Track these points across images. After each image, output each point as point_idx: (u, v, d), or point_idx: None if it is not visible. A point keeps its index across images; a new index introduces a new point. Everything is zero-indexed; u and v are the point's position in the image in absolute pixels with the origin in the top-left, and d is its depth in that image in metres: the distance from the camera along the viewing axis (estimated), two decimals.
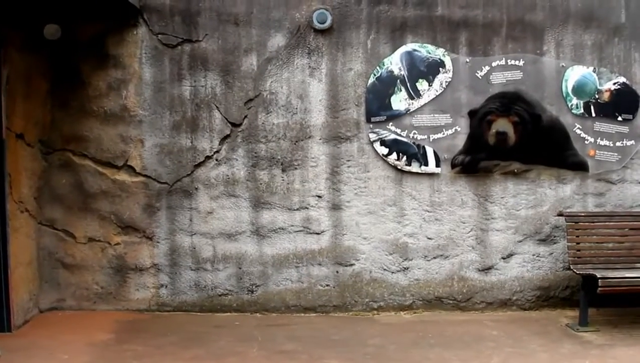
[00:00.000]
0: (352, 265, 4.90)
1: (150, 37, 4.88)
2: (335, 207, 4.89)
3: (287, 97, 4.88)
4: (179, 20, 4.88)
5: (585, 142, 4.94)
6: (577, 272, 4.50)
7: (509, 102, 4.90)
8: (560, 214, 4.77)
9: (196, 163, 4.88)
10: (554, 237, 4.93)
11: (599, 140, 4.94)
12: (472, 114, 4.90)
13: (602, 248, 4.75)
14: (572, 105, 4.93)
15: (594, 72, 4.96)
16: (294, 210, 4.88)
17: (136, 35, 4.90)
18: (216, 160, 4.88)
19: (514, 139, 4.86)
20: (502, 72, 4.92)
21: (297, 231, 4.89)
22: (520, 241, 4.93)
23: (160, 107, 4.89)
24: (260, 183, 4.88)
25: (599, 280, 4.21)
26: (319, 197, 4.89)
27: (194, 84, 4.89)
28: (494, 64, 4.92)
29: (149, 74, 4.89)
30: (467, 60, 4.91)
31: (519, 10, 4.93)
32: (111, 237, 4.89)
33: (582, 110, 4.94)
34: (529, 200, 4.92)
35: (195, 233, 4.88)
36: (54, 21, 4.88)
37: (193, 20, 4.88)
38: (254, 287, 4.89)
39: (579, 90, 4.95)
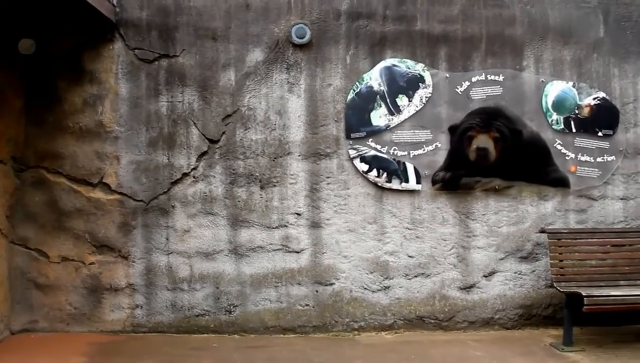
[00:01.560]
0: (332, 284, 4.54)
1: (127, 52, 4.51)
2: (315, 225, 4.54)
3: (266, 112, 4.51)
4: (155, 35, 4.52)
5: (566, 158, 4.62)
6: (561, 290, 4.13)
7: (489, 117, 4.57)
8: (542, 231, 4.43)
9: (173, 180, 4.51)
10: (536, 254, 4.59)
11: (579, 156, 4.62)
12: (452, 129, 4.55)
13: (585, 266, 4.44)
14: (552, 121, 4.60)
15: (574, 87, 4.65)
16: (273, 228, 4.51)
17: (112, 50, 4.53)
18: (193, 177, 4.49)
19: (494, 155, 4.52)
20: (482, 87, 4.58)
21: (276, 250, 4.52)
22: (502, 259, 4.58)
23: (136, 123, 4.51)
24: (239, 201, 4.50)
25: (585, 299, 3.88)
26: (298, 214, 4.53)
27: (171, 99, 4.51)
28: (473, 79, 4.58)
29: (125, 90, 4.51)
30: (447, 75, 4.56)
31: (498, 25, 4.62)
32: (85, 257, 4.49)
33: (562, 126, 4.62)
34: (510, 217, 4.57)
35: (171, 252, 4.49)
36: (28, 35, 4.51)
37: (170, 35, 4.52)
38: (231, 307, 4.49)
39: (558, 105, 4.62)
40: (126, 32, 4.53)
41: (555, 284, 4.25)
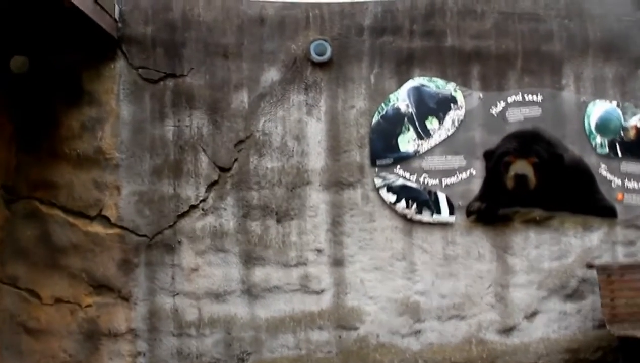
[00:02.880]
0: (356, 328, 3.89)
1: (130, 71, 3.93)
2: (337, 262, 3.91)
3: (282, 138, 3.90)
4: (161, 52, 3.94)
5: (612, 184, 4.02)
6: (615, 334, 3.46)
7: (527, 141, 3.97)
8: (589, 266, 3.78)
9: (179, 213, 3.91)
10: (582, 292, 3.98)
11: (626, 182, 4.03)
12: (487, 155, 3.93)
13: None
14: (596, 144, 4.00)
15: (618, 107, 4.01)
16: (291, 266, 3.89)
17: (113, 69, 3.96)
18: (202, 209, 3.87)
19: (534, 183, 3.91)
20: (519, 108, 3.98)
21: (294, 290, 3.89)
22: (544, 297, 3.94)
23: (139, 150, 3.91)
24: (252, 236, 3.88)
25: None
26: (319, 251, 3.91)
27: (177, 123, 3.91)
28: (509, 100, 3.98)
29: (127, 112, 3.92)
30: (481, 95, 3.96)
31: (534, 40, 4.05)
32: (82, 298, 3.87)
33: (607, 150, 4.03)
34: (552, 251, 3.96)
35: (178, 294, 3.85)
36: (20, 52, 3.94)
37: (177, 53, 3.95)
38: (245, 355, 3.85)
39: (602, 127, 4.03)
40: (129, 49, 3.97)
41: (608, 326, 3.62)
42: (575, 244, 4.02)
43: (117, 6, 4.02)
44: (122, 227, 3.92)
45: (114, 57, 4.00)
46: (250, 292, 3.90)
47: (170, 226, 3.91)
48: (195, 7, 4.01)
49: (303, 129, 3.97)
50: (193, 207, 3.92)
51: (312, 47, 3.95)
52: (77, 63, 4.02)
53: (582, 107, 4.11)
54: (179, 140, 3.96)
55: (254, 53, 3.98)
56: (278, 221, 3.93)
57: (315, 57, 3.95)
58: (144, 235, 3.91)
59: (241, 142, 3.96)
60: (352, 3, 3.97)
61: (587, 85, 4.13)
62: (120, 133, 3.96)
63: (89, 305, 3.93)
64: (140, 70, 3.98)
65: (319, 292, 3.91)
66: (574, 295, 4.00)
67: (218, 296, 3.89)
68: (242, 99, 3.97)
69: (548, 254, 4.00)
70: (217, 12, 4.02)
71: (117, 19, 4.01)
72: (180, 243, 3.91)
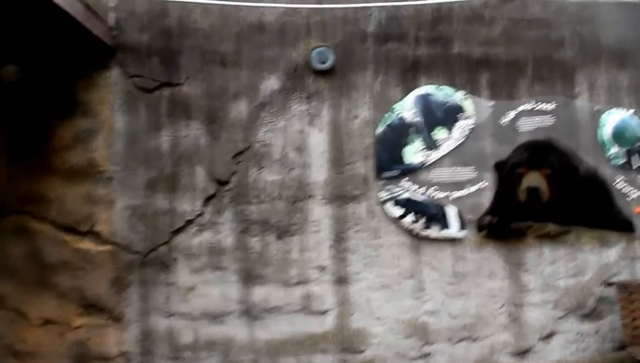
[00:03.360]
0: (362, 352, 3.63)
1: (125, 80, 3.72)
2: (341, 280, 3.66)
3: (283, 149, 3.67)
4: (157, 60, 3.74)
5: (629, 197, 3.75)
6: (637, 357, 3.22)
7: (540, 152, 3.73)
8: (608, 284, 3.50)
9: (175, 228, 3.67)
10: (600, 311, 3.71)
11: None
12: (498, 166, 3.69)
13: None
14: (611, 155, 3.76)
15: (634, 115, 3.76)
16: (292, 285, 3.63)
17: (108, 78, 3.76)
18: (199, 225, 3.63)
19: (547, 196, 3.67)
20: (531, 117, 3.75)
21: (296, 311, 3.63)
22: (561, 317, 3.68)
23: (133, 162, 3.69)
24: (252, 253, 3.63)
25: None
26: (322, 268, 3.66)
27: (174, 134, 3.70)
28: (520, 109, 3.75)
29: (121, 123, 3.70)
30: (490, 104, 3.73)
31: (545, 47, 3.83)
32: (72, 319, 3.62)
33: (623, 160, 3.78)
34: (568, 267, 3.69)
35: (173, 314, 3.61)
36: (11, 61, 3.72)
37: (174, 61, 3.75)
38: None
39: (618, 137, 3.79)
40: (124, 58, 3.76)
41: (629, 349, 3.35)
42: (592, 260, 3.76)
43: (111, 13, 3.83)
44: (114, 244, 3.67)
45: (109, 65, 3.79)
46: (250, 313, 3.63)
47: (165, 242, 3.66)
48: (192, 13, 3.80)
49: (305, 139, 3.73)
50: (189, 222, 3.67)
51: (313, 54, 3.73)
52: (70, 72, 3.81)
53: (596, 116, 3.87)
54: (174, 151, 3.73)
55: (253, 61, 3.77)
56: (279, 237, 3.67)
57: (318, 65, 3.72)
58: (138, 252, 3.66)
59: (240, 153, 3.72)
60: (355, 9, 3.76)
61: (601, 94, 3.90)
62: (114, 144, 3.74)
63: (79, 327, 3.66)
64: (135, 79, 3.76)
65: (322, 313, 3.64)
66: (591, 315, 3.73)
67: (215, 317, 3.62)
68: (240, 108, 3.74)
69: (564, 271, 3.73)
70: (215, 19, 3.81)
71: (112, 26, 3.81)
72: (175, 260, 3.65)
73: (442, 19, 3.82)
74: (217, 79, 3.76)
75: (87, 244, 3.75)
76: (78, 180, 3.73)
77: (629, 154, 3.86)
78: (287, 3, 3.76)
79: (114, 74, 3.80)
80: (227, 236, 3.67)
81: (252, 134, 3.73)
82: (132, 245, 3.66)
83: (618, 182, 3.81)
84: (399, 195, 3.71)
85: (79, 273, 3.69)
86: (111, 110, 3.79)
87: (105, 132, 3.79)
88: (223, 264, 3.66)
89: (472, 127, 3.82)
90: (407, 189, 3.71)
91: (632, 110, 3.89)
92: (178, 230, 3.67)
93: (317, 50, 3.74)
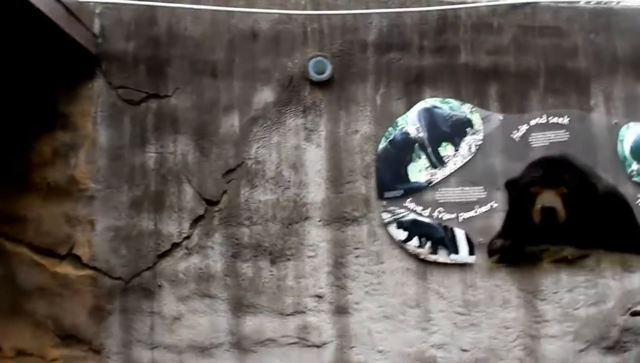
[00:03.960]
0: None
1: (109, 91, 3.46)
2: (341, 310, 3.31)
3: (278, 166, 3.36)
4: (143, 70, 3.47)
5: None
6: None
7: (554, 169, 3.41)
8: (634, 314, 3.17)
9: (160, 252, 3.35)
10: (624, 343, 3.33)
11: None
12: (510, 185, 3.37)
13: None
14: (632, 172, 3.44)
15: None
16: (287, 315, 3.29)
17: (91, 89, 3.50)
18: (186, 248, 3.32)
19: (564, 216, 3.33)
20: (544, 131, 3.44)
21: (291, 343, 3.28)
22: (581, 350, 3.30)
23: (116, 179, 3.39)
24: (243, 280, 3.31)
25: None
26: (319, 297, 3.31)
27: (160, 150, 3.41)
28: (532, 123, 3.44)
29: (104, 137, 3.43)
30: (500, 117, 3.43)
31: (558, 56, 3.53)
32: (47, 351, 3.32)
33: None
34: (588, 295, 3.34)
35: (157, 346, 3.28)
36: None
37: (161, 71, 3.48)
38: None
39: (638, 152, 3.43)
40: (108, 67, 3.49)
41: None
42: (614, 287, 3.37)
43: (96, 19, 3.55)
44: (94, 268, 3.35)
45: (92, 75, 3.51)
46: (241, 345, 3.27)
47: (150, 267, 3.34)
48: (182, 20, 3.52)
49: (301, 156, 3.41)
50: (176, 245, 3.34)
51: (310, 64, 3.43)
52: (51, 82, 3.53)
53: (614, 130, 3.55)
54: (161, 168, 3.42)
55: (245, 71, 3.47)
56: (272, 262, 3.33)
57: (314, 76, 3.42)
58: (119, 278, 3.34)
59: (231, 171, 3.41)
60: (354, 16, 3.46)
61: (619, 106, 3.58)
62: (96, 160, 3.44)
63: (54, 360, 3.32)
64: (120, 90, 3.48)
65: (320, 346, 3.27)
66: (615, 347, 3.32)
67: (203, 349, 3.27)
68: (232, 122, 3.44)
69: (583, 299, 3.36)
70: (206, 27, 3.52)
71: (96, 34, 3.53)
72: (160, 287, 3.32)
73: (448, 27, 3.53)
74: (208, 90, 3.47)
75: (65, 268, 3.42)
76: (56, 198, 3.42)
77: None
78: (281, 9, 3.50)
79: (98, 85, 3.51)
80: (216, 261, 3.33)
81: (244, 150, 3.42)
82: (113, 270, 3.33)
83: None
84: (403, 216, 3.37)
85: (56, 300, 3.36)
86: (94, 123, 3.49)
87: (86, 147, 3.48)
88: (212, 292, 3.32)
89: (480, 142, 3.50)
90: (412, 210, 3.36)
91: None
92: (163, 254, 3.34)
93: (314, 60, 3.43)
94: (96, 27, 3.54)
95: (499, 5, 3.59)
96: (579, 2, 3.66)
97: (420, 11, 3.53)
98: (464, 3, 3.58)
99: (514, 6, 3.63)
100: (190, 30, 3.51)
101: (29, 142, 3.55)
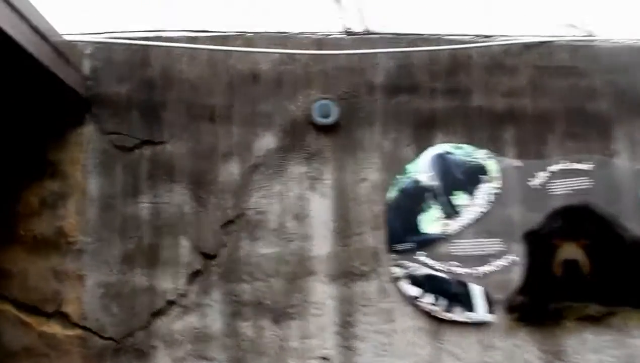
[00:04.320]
0: None
1: (100, 137, 3.24)
2: None
3: (280, 217, 3.16)
4: (137, 115, 3.26)
5: None
6: None
7: (576, 219, 3.22)
8: None
9: (154, 310, 3.11)
10: None
11: None
12: (529, 236, 3.17)
13: None
14: None
15: None
16: None
17: (81, 135, 3.28)
18: (182, 306, 3.10)
19: (588, 270, 3.11)
20: (564, 179, 3.23)
21: None
22: None
23: (108, 232, 3.17)
24: (243, 340, 3.07)
25: None
26: (326, 359, 3.08)
27: (154, 200, 3.19)
28: (551, 169, 3.24)
29: (95, 187, 3.20)
30: (517, 164, 3.22)
31: (577, 98, 3.34)
32: None
33: None
34: (616, 356, 3.13)
35: None
36: None
37: (156, 115, 3.27)
38: None
39: None
40: (100, 111, 3.27)
41: None
42: None
43: (86, 60, 3.35)
44: (84, 328, 3.10)
45: (82, 120, 3.29)
46: None
47: (143, 327, 3.09)
48: (177, 62, 3.32)
49: (305, 206, 3.19)
50: (171, 303, 3.10)
51: (315, 107, 3.23)
52: (38, 127, 3.31)
53: (638, 177, 3.37)
54: (155, 220, 3.19)
55: (245, 116, 3.26)
56: (275, 321, 3.08)
57: (319, 120, 3.21)
58: (111, 338, 3.08)
59: (230, 222, 3.18)
60: (361, 57, 3.27)
61: None
62: (86, 211, 3.21)
63: None
64: (112, 136, 3.26)
65: None
66: None
67: None
68: (231, 170, 3.22)
69: (610, 361, 3.10)
70: (203, 68, 3.32)
71: (88, 76, 3.33)
72: (154, 348, 3.06)
73: (460, 67, 3.33)
74: (205, 136, 3.25)
75: (52, 327, 3.17)
76: (44, 252, 3.18)
77: None
78: (283, 49, 3.30)
79: (88, 130, 3.29)
80: (214, 320, 3.08)
81: (244, 200, 3.19)
82: (104, 330, 3.08)
83: None
84: (415, 271, 3.14)
85: (43, 361, 3.10)
86: (84, 171, 3.27)
87: (76, 196, 3.25)
88: (210, 353, 3.06)
89: (496, 191, 3.29)
90: (425, 264, 3.13)
91: None
92: (158, 313, 3.09)
93: (319, 103, 3.23)
94: (86, 69, 3.32)
95: (512, 44, 3.42)
96: (596, 40, 3.49)
97: (429, 51, 3.34)
98: (475, 42, 3.40)
99: (528, 46, 3.46)
100: (187, 72, 3.30)
101: (15, 191, 3.32)
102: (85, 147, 3.30)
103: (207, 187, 3.22)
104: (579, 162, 3.36)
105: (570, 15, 3.48)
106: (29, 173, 3.35)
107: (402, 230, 3.26)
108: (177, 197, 3.22)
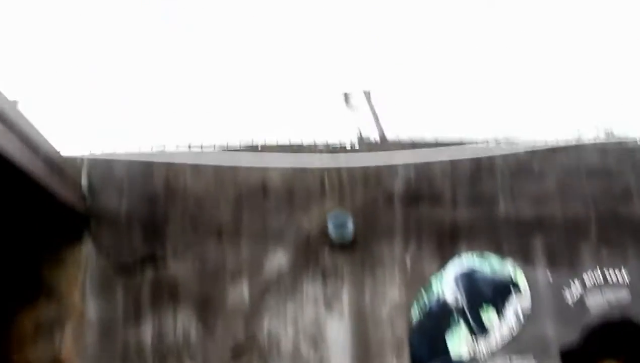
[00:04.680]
0: None
1: (98, 256, 3.05)
2: None
3: (294, 342, 2.93)
4: (139, 231, 3.06)
5: None
6: None
7: (616, 336, 2.84)
8: None
9: None
10: None
11: None
12: (566, 356, 2.79)
13: None
14: None
15: None
16: None
17: (79, 255, 3.09)
18: None
19: None
20: (600, 290, 2.90)
21: None
22: None
23: (108, 359, 2.95)
24: None
25: None
26: None
27: (158, 324, 2.97)
28: (586, 280, 2.93)
29: (94, 310, 2.99)
30: (549, 276, 2.92)
31: (608, 201, 3.14)
32: None
33: None
34: None
35: None
36: None
37: (159, 233, 3.08)
38: None
39: None
40: (98, 229, 3.08)
41: None
42: None
43: (84, 175, 3.17)
44: None
45: (80, 238, 3.09)
46: None
47: None
48: (181, 175, 3.14)
49: (321, 329, 2.95)
50: None
51: (329, 221, 3.04)
52: (34, 246, 3.09)
53: None
54: (159, 346, 2.95)
55: (255, 232, 3.06)
56: None
57: (335, 236, 3.03)
58: None
59: (240, 348, 2.93)
60: (377, 167, 3.10)
61: None
62: (85, 336, 2.98)
63: None
64: (111, 255, 3.05)
65: None
66: None
67: None
68: (240, 291, 2.99)
69: None
70: (209, 181, 3.13)
71: (85, 192, 3.14)
72: None
73: (483, 174, 3.14)
74: (212, 254, 3.04)
75: None
76: None
77: None
78: (294, 161, 3.12)
79: (86, 249, 3.09)
80: None
81: (255, 323, 2.96)
82: None
83: None
84: None
85: None
86: (81, 294, 3.05)
87: (74, 321, 3.03)
88: None
89: (527, 306, 3.07)
90: None
91: None
92: None
93: (334, 216, 3.06)
94: (84, 184, 3.14)
95: (538, 148, 3.24)
96: (627, 140, 3.31)
97: (451, 158, 3.16)
98: (499, 146, 3.22)
99: (554, 148, 3.27)
100: (191, 186, 3.12)
101: (8, 314, 3.11)
102: (83, 266, 3.08)
103: (215, 310, 2.99)
104: (614, 270, 3.15)
105: (597, 116, 3.33)
106: (23, 294, 3.12)
107: (428, 353, 2.96)
108: (182, 321, 2.97)
